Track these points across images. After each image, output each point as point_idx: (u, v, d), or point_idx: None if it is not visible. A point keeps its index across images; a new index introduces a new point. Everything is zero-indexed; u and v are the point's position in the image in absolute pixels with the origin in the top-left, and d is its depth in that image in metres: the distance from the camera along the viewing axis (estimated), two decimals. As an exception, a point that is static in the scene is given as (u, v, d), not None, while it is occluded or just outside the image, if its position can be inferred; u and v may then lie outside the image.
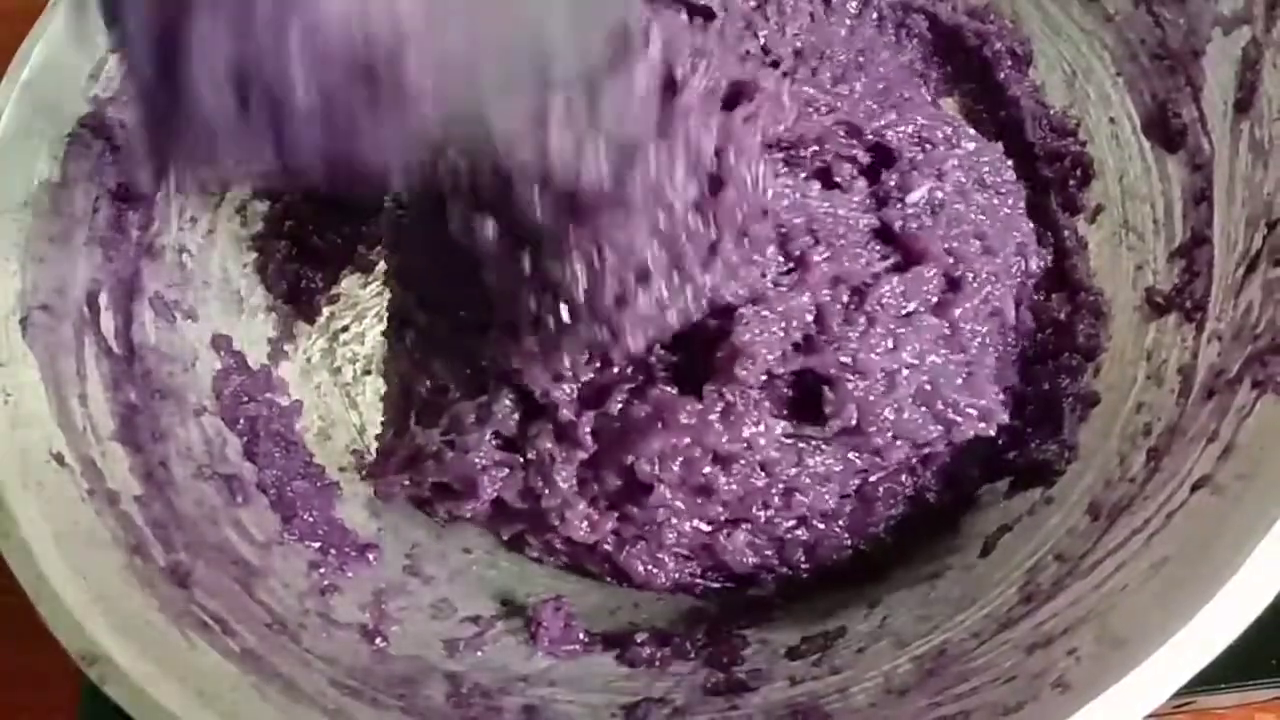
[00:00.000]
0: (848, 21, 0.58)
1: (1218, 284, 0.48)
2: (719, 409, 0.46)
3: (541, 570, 0.53)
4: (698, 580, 0.50)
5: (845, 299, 0.47)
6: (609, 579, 0.51)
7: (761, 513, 0.48)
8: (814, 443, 0.47)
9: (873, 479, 0.49)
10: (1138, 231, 0.54)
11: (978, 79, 0.59)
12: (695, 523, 0.48)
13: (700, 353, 0.47)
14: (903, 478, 0.50)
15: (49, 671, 0.48)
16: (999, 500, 0.50)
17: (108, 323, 0.51)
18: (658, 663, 0.48)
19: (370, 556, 0.52)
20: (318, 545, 0.51)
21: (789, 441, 0.47)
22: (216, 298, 0.58)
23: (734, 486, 0.47)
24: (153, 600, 0.42)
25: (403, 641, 0.48)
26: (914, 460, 0.49)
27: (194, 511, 0.48)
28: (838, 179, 0.51)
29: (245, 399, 0.55)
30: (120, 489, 0.46)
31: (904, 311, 0.47)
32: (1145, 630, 0.36)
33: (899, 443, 0.47)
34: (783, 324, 0.46)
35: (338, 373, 0.60)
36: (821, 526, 0.49)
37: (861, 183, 0.51)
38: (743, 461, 0.46)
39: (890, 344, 0.46)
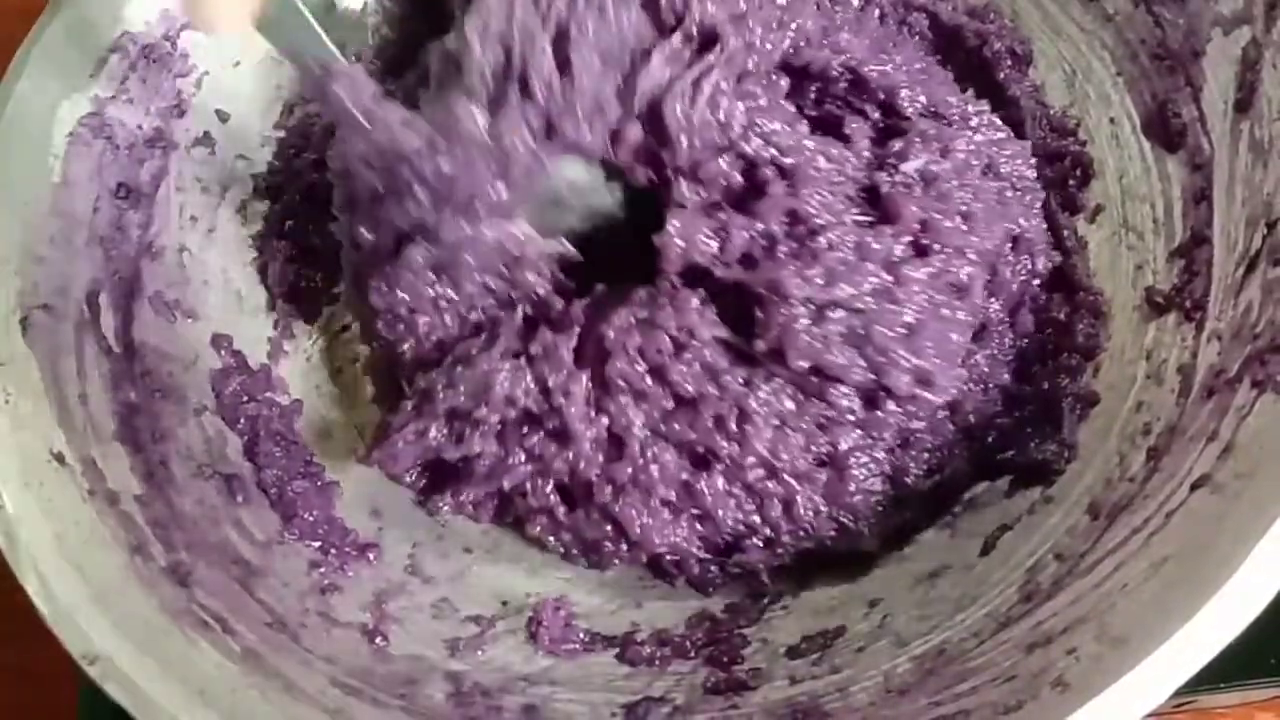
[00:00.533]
0: (850, 16, 0.58)
1: (1217, 284, 0.48)
2: (668, 293, 0.49)
3: (542, 569, 0.53)
4: (692, 551, 0.50)
5: (799, 234, 0.48)
6: (608, 545, 0.51)
7: (725, 444, 0.48)
8: (760, 369, 0.48)
9: (842, 446, 0.49)
10: (1137, 231, 0.54)
11: (978, 79, 0.59)
12: (672, 454, 0.49)
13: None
14: (878, 454, 0.50)
15: (49, 671, 0.48)
16: (998, 499, 0.50)
17: (108, 322, 0.51)
18: (658, 662, 0.48)
19: (370, 556, 0.52)
20: (318, 545, 0.52)
21: (730, 351, 0.49)
22: (216, 297, 0.58)
23: (687, 383, 0.48)
24: (153, 600, 0.42)
25: (403, 641, 0.48)
26: (886, 435, 0.50)
27: (194, 511, 0.48)
28: (847, 132, 0.52)
29: (245, 398, 0.55)
30: (120, 489, 0.46)
31: (851, 258, 0.48)
32: (1145, 629, 0.36)
33: (842, 388, 0.48)
34: (718, 233, 0.48)
35: (338, 372, 0.60)
36: (794, 484, 0.49)
37: (865, 144, 0.51)
38: (690, 354, 0.48)
39: (824, 280, 0.47)
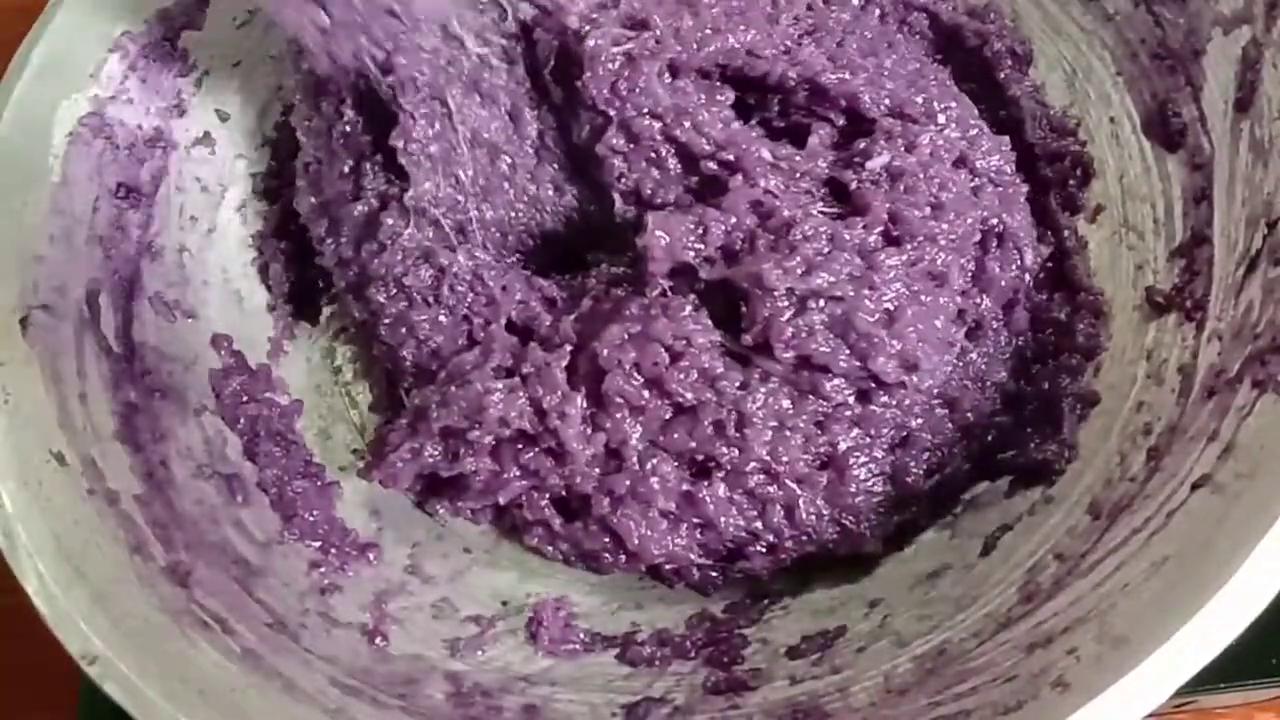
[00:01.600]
0: (847, 16, 0.58)
1: (1218, 283, 0.48)
2: (660, 304, 0.50)
3: (542, 569, 0.53)
4: (692, 557, 0.50)
5: (774, 227, 0.49)
6: (607, 555, 0.51)
7: (725, 450, 0.49)
8: (755, 370, 0.49)
9: (841, 446, 0.49)
10: (1138, 231, 0.54)
11: (978, 79, 0.59)
12: (672, 465, 0.49)
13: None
14: (877, 453, 0.50)
15: (49, 671, 0.48)
16: (999, 499, 0.50)
17: (108, 322, 0.51)
18: (658, 662, 0.48)
19: (370, 556, 0.52)
20: (318, 544, 0.52)
21: (725, 355, 0.49)
22: (216, 297, 0.58)
23: (686, 392, 0.48)
24: (153, 600, 0.42)
25: (403, 641, 0.48)
26: (884, 432, 0.50)
27: (194, 511, 0.48)
28: (813, 139, 0.53)
29: (245, 398, 0.55)
30: (120, 488, 0.46)
31: (826, 249, 0.49)
32: (1145, 629, 0.36)
33: (832, 380, 0.48)
34: (698, 228, 0.49)
35: (338, 372, 0.60)
36: (795, 488, 0.49)
37: (825, 144, 0.52)
38: (687, 362, 0.48)
39: (803, 270, 0.48)
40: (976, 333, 0.53)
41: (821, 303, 0.48)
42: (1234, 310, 0.46)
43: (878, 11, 0.60)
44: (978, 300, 0.52)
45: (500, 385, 0.50)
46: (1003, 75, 0.59)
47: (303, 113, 0.56)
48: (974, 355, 0.52)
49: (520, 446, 0.50)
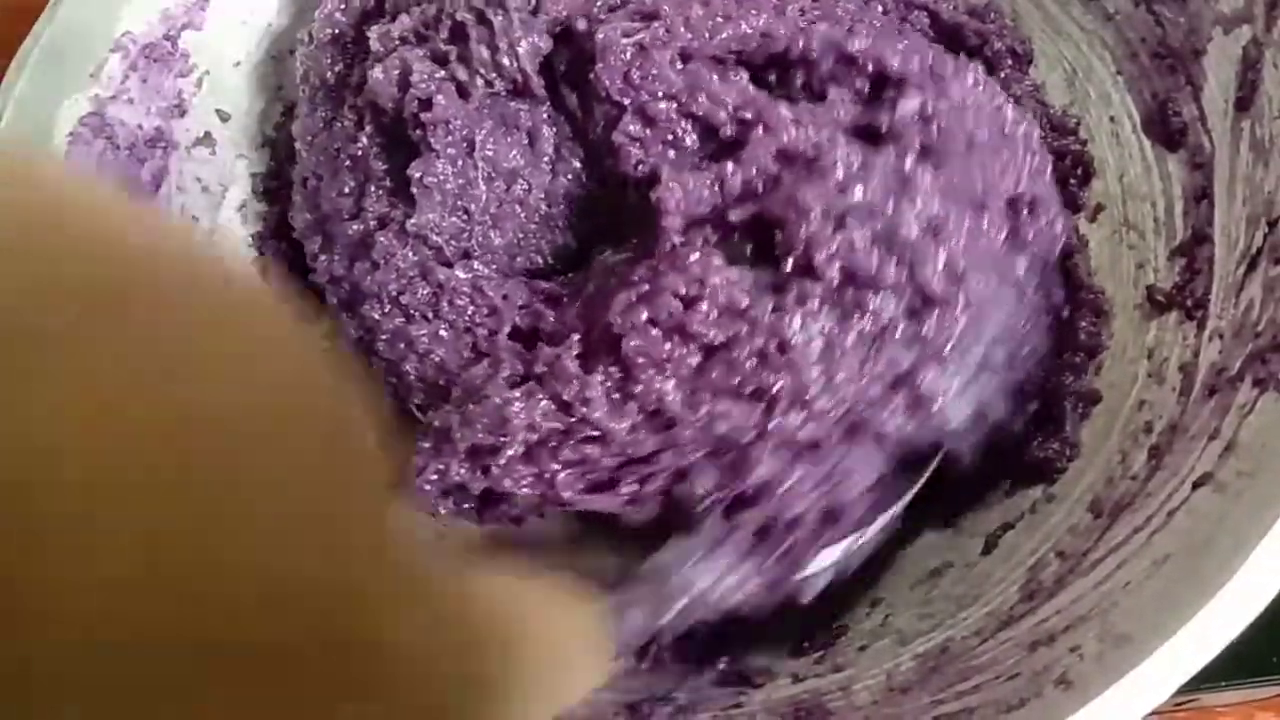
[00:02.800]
0: (853, 5, 0.58)
1: (1219, 282, 0.48)
2: (666, 259, 0.46)
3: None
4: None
5: (800, 161, 0.47)
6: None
7: (774, 378, 0.44)
8: (788, 295, 0.45)
9: (904, 364, 0.45)
10: (1138, 230, 0.54)
11: (978, 78, 0.59)
12: (729, 402, 0.45)
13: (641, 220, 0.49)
14: (950, 373, 0.46)
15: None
16: (1000, 497, 0.50)
17: (109, 322, 0.51)
18: (661, 660, 0.48)
19: (372, 556, 0.52)
20: (319, 544, 0.51)
21: (751, 285, 0.46)
22: (217, 297, 0.58)
23: (711, 331, 0.45)
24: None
25: (405, 640, 0.48)
26: (953, 354, 0.46)
27: (196, 511, 0.48)
28: (832, 98, 0.51)
29: (246, 398, 0.55)
30: (122, 488, 0.46)
31: (859, 172, 0.46)
32: (1147, 627, 0.36)
33: (880, 296, 0.44)
34: (714, 183, 0.47)
35: (339, 372, 0.60)
36: (870, 411, 0.45)
37: (850, 99, 0.50)
38: (705, 303, 0.45)
39: (839, 189, 0.45)
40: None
41: (862, 216, 0.45)
42: (1235, 309, 0.46)
43: (879, 9, 0.59)
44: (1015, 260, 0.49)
45: (517, 394, 0.47)
46: (1003, 75, 0.59)
47: (308, 127, 0.56)
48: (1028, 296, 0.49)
49: (555, 444, 0.47)
